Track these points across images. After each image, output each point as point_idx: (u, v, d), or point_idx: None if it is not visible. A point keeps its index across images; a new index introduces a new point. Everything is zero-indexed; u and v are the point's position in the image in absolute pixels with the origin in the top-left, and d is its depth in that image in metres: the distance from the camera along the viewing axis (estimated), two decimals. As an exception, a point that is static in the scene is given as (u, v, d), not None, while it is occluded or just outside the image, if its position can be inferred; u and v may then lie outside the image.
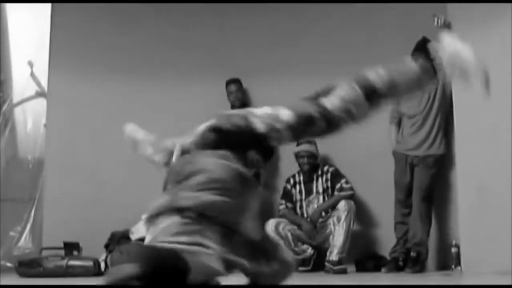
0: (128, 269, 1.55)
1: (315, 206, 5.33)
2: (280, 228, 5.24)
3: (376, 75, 2.16)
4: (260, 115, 2.06)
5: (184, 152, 2.03)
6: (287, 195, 5.44)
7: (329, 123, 2.09)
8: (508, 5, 4.41)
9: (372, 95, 2.10)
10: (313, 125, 2.07)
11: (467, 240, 4.66)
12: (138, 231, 4.88)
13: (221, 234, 1.77)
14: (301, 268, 5.36)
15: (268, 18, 5.92)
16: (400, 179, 5.19)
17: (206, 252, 1.70)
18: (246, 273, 1.99)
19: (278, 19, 5.90)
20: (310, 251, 5.30)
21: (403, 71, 2.29)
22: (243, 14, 5.92)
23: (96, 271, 4.86)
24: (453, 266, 4.95)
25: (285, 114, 2.06)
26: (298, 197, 5.42)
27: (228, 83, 5.77)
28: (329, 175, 5.34)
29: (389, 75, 2.15)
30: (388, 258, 5.17)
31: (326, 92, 2.12)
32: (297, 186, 5.43)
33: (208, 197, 1.76)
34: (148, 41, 5.96)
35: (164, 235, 1.71)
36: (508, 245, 4.22)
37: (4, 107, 6.25)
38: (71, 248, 5.12)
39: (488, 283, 3.72)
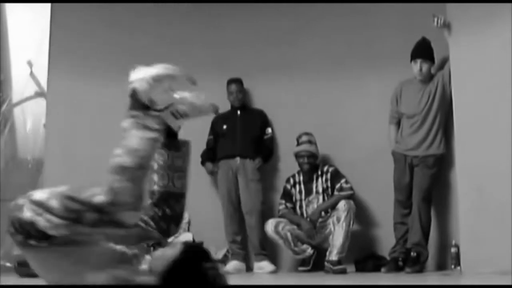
0: None
1: (315, 206, 5.33)
2: (280, 228, 5.24)
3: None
4: None
5: None
6: (287, 195, 5.44)
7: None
8: (508, 5, 4.41)
9: None
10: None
11: (467, 240, 4.65)
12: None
13: None
14: (300, 268, 5.36)
15: (268, 18, 5.91)
16: (399, 179, 5.18)
17: None
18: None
19: (278, 19, 5.90)
20: (309, 251, 5.30)
21: None
22: (243, 14, 5.92)
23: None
24: (452, 266, 4.95)
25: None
26: (298, 197, 5.42)
27: (229, 82, 5.76)
28: (329, 175, 5.34)
29: None
30: (388, 258, 5.17)
31: None
32: (297, 186, 5.43)
33: None
34: (148, 41, 5.96)
35: None
36: (508, 245, 4.22)
37: (4, 107, 6.25)
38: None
39: (488, 283, 3.72)
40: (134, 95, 2.03)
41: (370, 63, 5.59)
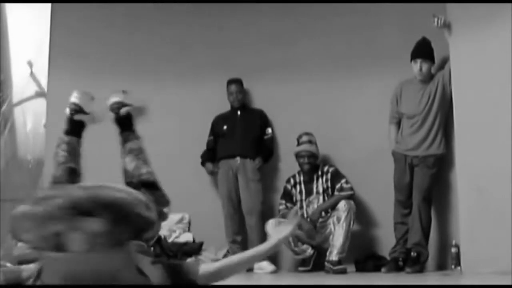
0: None
1: (315, 206, 5.33)
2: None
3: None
4: None
5: None
6: (287, 195, 5.44)
7: None
8: (508, 5, 4.41)
9: None
10: None
11: (467, 240, 4.65)
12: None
13: None
14: (301, 268, 5.36)
15: (268, 18, 5.91)
16: (399, 180, 5.18)
17: None
18: None
19: (278, 19, 5.90)
20: (310, 251, 5.30)
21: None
22: (243, 14, 5.92)
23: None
24: (452, 266, 4.95)
25: None
26: (298, 197, 5.42)
27: (229, 83, 5.76)
28: (329, 175, 5.34)
29: None
30: (388, 258, 5.17)
31: None
32: (297, 186, 5.43)
33: None
34: (148, 41, 5.96)
35: None
36: (508, 245, 4.22)
37: (4, 107, 6.25)
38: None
39: (488, 283, 3.73)
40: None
41: (370, 63, 5.59)
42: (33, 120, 6.30)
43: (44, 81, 6.13)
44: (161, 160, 5.81)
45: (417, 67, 5.12)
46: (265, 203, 5.60)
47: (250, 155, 5.60)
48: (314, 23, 5.84)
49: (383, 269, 5.04)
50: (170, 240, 5.44)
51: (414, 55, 5.15)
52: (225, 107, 5.80)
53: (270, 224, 5.26)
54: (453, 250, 4.93)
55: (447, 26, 4.85)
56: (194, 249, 5.46)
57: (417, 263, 4.92)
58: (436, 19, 4.82)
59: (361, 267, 5.25)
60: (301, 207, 5.40)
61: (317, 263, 5.29)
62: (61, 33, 5.86)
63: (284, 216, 5.39)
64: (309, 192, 5.39)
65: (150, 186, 2.74)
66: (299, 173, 5.45)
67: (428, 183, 5.08)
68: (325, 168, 5.38)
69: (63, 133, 3.20)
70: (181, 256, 5.34)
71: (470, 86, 4.74)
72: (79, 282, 1.50)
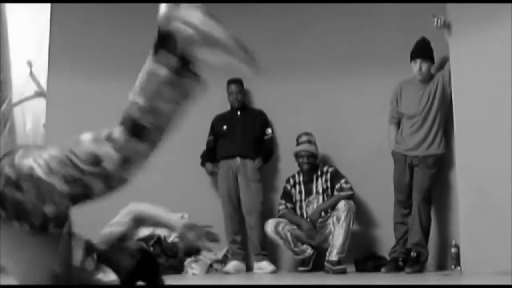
0: None
1: (315, 206, 5.33)
2: (280, 228, 5.24)
3: (133, 105, 1.73)
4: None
5: None
6: (287, 195, 5.44)
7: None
8: (508, 5, 4.41)
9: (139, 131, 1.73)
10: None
11: (467, 240, 4.65)
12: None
13: None
14: (300, 268, 5.36)
15: (268, 18, 5.91)
16: (399, 180, 5.18)
17: None
18: None
19: (278, 19, 5.90)
20: (309, 251, 5.30)
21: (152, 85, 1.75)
22: (243, 14, 5.91)
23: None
24: (452, 266, 4.95)
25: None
26: (298, 197, 5.42)
27: (229, 82, 5.75)
28: (328, 175, 5.34)
29: (146, 100, 1.72)
30: (388, 258, 5.17)
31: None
32: (297, 187, 5.43)
33: None
34: (148, 40, 5.93)
35: None
36: (508, 245, 4.22)
37: (3, 107, 6.25)
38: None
39: (488, 283, 3.72)
40: (168, 36, 1.71)
41: (370, 63, 5.59)
42: (32, 120, 6.29)
43: (43, 81, 6.12)
44: (161, 160, 5.83)
45: (417, 67, 5.12)
46: (265, 203, 5.60)
47: (250, 155, 5.60)
48: (314, 23, 5.84)
49: (383, 269, 5.04)
50: (169, 240, 5.43)
51: (414, 55, 5.15)
52: (225, 107, 5.79)
53: (270, 224, 5.28)
54: (453, 250, 4.93)
55: (447, 26, 4.85)
56: (194, 249, 5.45)
57: (417, 263, 4.92)
58: (436, 19, 4.82)
59: (361, 267, 5.25)
60: (301, 207, 5.41)
61: (317, 263, 5.29)
62: (60, 33, 5.86)
63: (283, 216, 5.40)
64: (308, 192, 5.39)
65: None
66: (298, 173, 5.45)
67: (428, 183, 5.08)
68: (325, 168, 5.38)
69: None
70: (180, 256, 5.33)
71: (470, 86, 4.74)
72: None
